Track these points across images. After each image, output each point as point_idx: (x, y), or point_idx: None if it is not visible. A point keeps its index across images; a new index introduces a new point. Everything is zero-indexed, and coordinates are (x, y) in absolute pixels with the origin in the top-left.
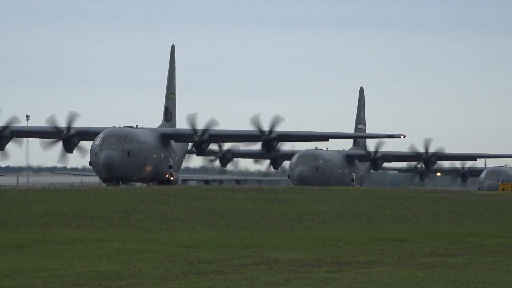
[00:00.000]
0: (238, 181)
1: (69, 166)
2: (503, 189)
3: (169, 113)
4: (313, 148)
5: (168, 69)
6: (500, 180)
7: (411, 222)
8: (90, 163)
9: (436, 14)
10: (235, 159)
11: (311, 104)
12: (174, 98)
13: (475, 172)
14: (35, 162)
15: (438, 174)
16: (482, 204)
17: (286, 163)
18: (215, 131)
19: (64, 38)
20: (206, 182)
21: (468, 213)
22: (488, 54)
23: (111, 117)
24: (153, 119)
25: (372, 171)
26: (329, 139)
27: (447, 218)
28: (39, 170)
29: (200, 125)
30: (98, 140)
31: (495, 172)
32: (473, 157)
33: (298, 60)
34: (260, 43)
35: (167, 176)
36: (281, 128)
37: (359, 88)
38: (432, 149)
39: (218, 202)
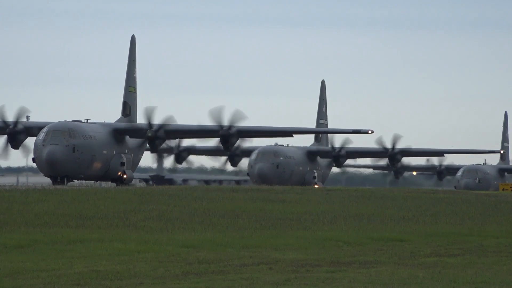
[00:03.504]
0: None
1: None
2: (503, 189)
3: (127, 108)
4: (273, 144)
5: (127, 61)
6: (477, 179)
7: (411, 222)
8: (34, 160)
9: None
10: (191, 156)
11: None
12: (134, 92)
13: (452, 170)
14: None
15: (414, 172)
16: (482, 204)
17: (245, 161)
18: (170, 126)
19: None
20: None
21: (468, 213)
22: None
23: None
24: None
25: (336, 168)
26: (293, 135)
27: (447, 218)
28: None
29: (157, 121)
30: (41, 135)
31: (472, 170)
32: (441, 153)
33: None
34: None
35: (119, 174)
36: (241, 124)
37: (320, 82)
38: (397, 145)
39: (218, 202)
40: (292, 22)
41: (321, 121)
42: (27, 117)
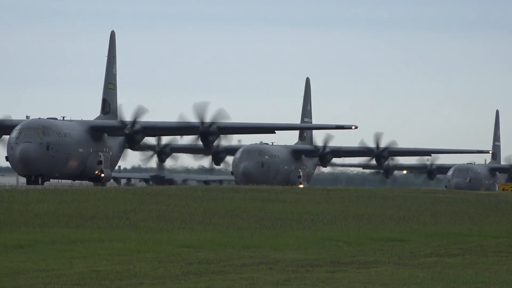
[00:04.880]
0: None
1: None
2: (503, 189)
3: (107, 105)
4: (258, 142)
5: (107, 57)
6: (468, 178)
7: (411, 222)
8: (7, 158)
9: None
10: (174, 154)
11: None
12: (114, 89)
13: (443, 169)
14: None
15: (404, 171)
16: (482, 204)
17: (230, 159)
18: (147, 122)
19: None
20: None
21: (468, 213)
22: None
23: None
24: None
25: (322, 167)
26: (276, 131)
27: (447, 218)
28: None
29: (140, 118)
30: (14, 133)
31: (463, 170)
32: (428, 153)
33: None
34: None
35: (96, 172)
36: (223, 120)
37: (305, 79)
38: (384, 144)
39: (218, 202)
40: (280, 22)
41: (306, 119)
42: (27, 117)
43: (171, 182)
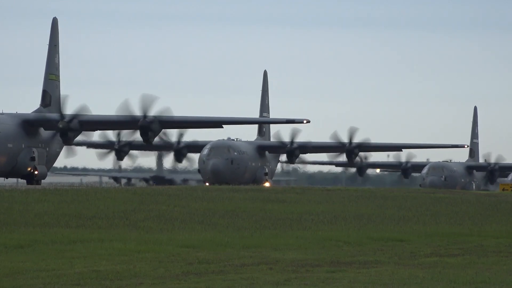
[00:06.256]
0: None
1: None
2: (503, 189)
3: (47, 97)
4: (225, 138)
5: (48, 45)
6: (443, 177)
7: (411, 222)
8: None
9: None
10: (132, 151)
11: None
12: (56, 80)
13: (418, 167)
14: None
15: (378, 170)
16: (482, 204)
17: (192, 156)
18: (85, 116)
19: None
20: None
21: (468, 213)
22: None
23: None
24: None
25: (290, 164)
26: (223, 125)
27: (447, 218)
28: None
29: (72, 111)
30: None
31: (438, 168)
32: (398, 148)
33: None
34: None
35: (29, 169)
36: (165, 114)
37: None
38: (355, 140)
39: (218, 202)
40: (280, 21)
41: (265, 114)
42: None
43: (171, 182)
